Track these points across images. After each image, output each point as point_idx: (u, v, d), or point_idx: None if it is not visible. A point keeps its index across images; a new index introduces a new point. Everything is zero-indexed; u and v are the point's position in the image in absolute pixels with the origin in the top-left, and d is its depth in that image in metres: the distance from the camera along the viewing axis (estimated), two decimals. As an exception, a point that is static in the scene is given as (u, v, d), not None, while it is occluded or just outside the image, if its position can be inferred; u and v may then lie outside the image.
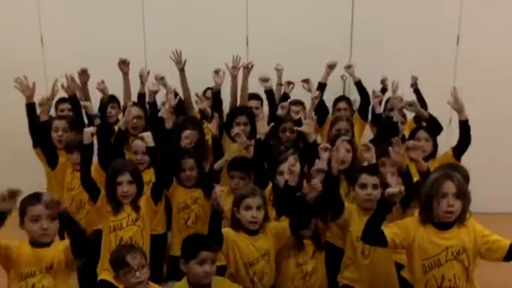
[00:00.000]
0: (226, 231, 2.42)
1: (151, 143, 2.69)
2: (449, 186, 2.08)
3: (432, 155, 3.12)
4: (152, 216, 2.73)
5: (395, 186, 2.13)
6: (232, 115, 3.39)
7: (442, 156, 3.11)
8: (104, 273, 2.48)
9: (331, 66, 3.69)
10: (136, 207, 2.56)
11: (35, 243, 2.12)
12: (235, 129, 3.04)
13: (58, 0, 4.22)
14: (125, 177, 2.50)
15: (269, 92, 3.58)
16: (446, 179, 2.10)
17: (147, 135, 2.70)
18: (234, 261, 2.41)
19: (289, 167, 2.46)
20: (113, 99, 3.80)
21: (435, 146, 3.16)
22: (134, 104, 3.52)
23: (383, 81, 3.89)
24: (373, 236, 2.19)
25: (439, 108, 4.17)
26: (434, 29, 4.10)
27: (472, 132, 3.08)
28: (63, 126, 3.19)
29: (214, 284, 2.18)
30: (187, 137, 2.87)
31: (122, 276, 2.09)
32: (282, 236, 2.47)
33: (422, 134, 3.13)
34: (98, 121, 3.07)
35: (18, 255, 2.09)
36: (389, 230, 2.18)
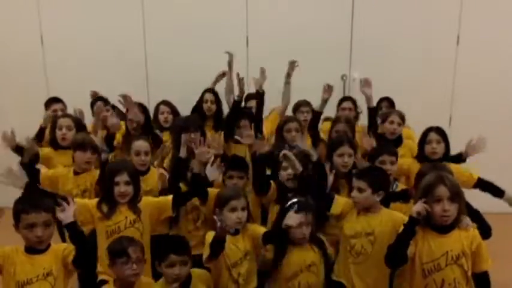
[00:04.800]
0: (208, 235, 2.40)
1: None
2: (443, 191, 2.03)
3: (445, 157, 2.96)
4: (157, 221, 2.64)
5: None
6: (233, 118, 3.30)
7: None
8: (104, 274, 2.44)
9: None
10: (135, 209, 2.50)
11: (30, 249, 2.06)
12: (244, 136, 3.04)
13: (58, 0, 4.22)
14: (123, 177, 2.46)
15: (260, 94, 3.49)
16: (439, 183, 2.05)
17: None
18: (215, 264, 2.37)
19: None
20: (103, 101, 3.64)
21: (447, 147, 2.97)
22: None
23: None
24: (399, 260, 2.15)
25: (439, 107, 4.20)
26: (434, 29, 4.10)
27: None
28: (67, 124, 3.14)
29: (193, 285, 2.20)
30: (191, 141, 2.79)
31: (118, 265, 2.10)
32: (257, 244, 2.44)
33: (433, 136, 2.94)
34: None
35: (11, 264, 2.03)
36: None
